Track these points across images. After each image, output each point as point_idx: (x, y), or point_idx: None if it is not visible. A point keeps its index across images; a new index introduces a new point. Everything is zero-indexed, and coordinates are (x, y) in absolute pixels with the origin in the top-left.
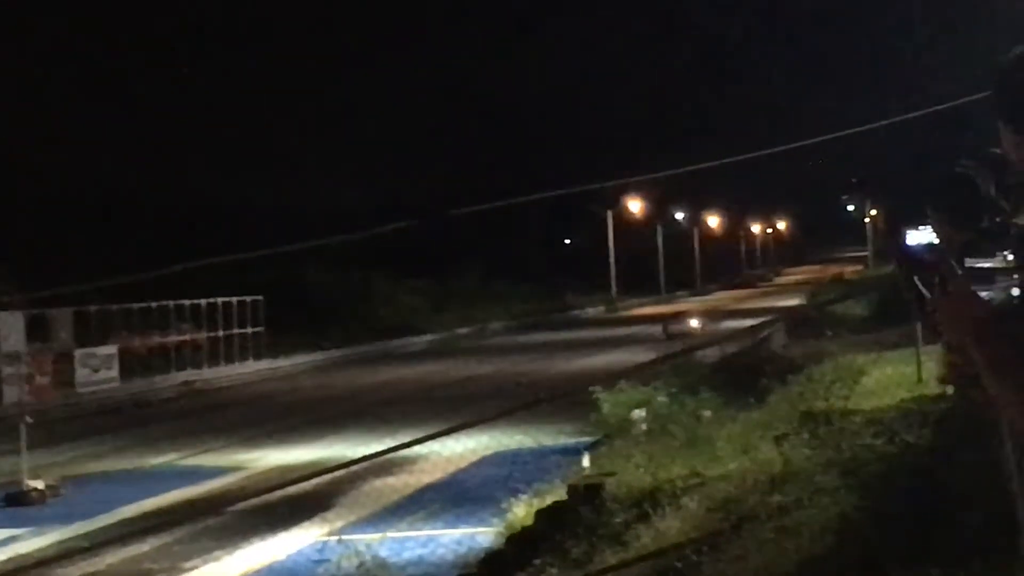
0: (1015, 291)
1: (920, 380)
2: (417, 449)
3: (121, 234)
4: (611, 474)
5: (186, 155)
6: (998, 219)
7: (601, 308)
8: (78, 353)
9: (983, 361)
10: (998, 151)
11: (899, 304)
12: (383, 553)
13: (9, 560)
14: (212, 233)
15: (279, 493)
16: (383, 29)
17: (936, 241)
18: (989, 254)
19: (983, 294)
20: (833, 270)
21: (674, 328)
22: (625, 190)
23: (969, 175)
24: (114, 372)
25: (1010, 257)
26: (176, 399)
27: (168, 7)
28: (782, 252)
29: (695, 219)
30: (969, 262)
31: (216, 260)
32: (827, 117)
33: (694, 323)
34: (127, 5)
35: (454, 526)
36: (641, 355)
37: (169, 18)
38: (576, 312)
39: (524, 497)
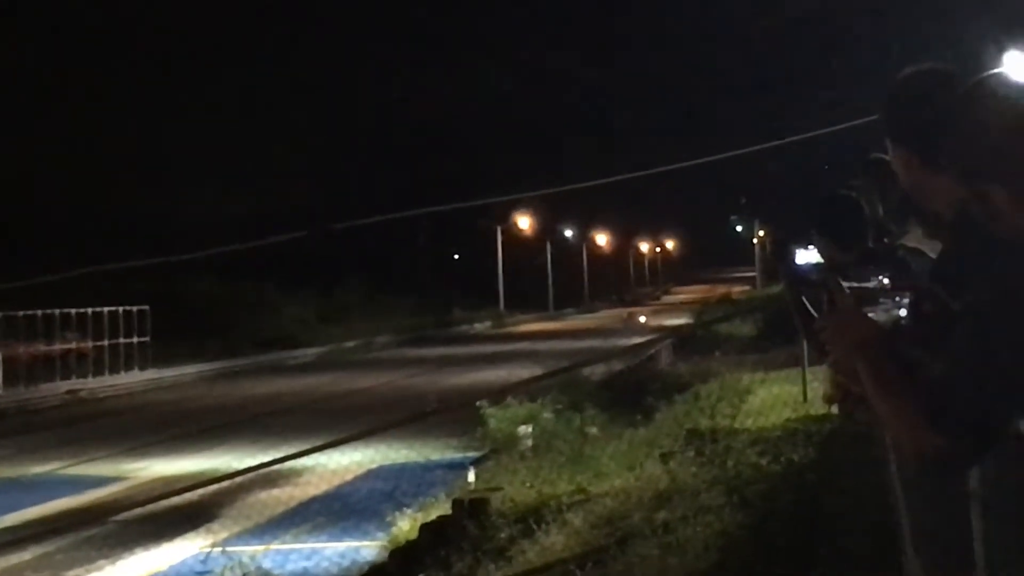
0: (902, 311)
1: (805, 400)
2: (303, 461)
3: (7, 241)
4: (497, 489)
5: (74, 162)
6: (885, 240)
7: (488, 323)
8: None
9: (869, 380)
10: (885, 156)
11: (786, 324)
12: (267, 565)
13: None
14: (97, 241)
15: (163, 503)
16: (276, 39)
17: (822, 261)
18: (876, 274)
19: (870, 314)
20: (721, 289)
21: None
22: (515, 206)
23: (853, 197)
24: None
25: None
26: (61, 408)
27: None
28: (670, 271)
29: (584, 236)
30: (861, 280)
31: (97, 268)
32: (721, 135)
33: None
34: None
35: (338, 539)
36: (529, 371)
37: (45, 15)
38: (463, 327)
39: (409, 511)
